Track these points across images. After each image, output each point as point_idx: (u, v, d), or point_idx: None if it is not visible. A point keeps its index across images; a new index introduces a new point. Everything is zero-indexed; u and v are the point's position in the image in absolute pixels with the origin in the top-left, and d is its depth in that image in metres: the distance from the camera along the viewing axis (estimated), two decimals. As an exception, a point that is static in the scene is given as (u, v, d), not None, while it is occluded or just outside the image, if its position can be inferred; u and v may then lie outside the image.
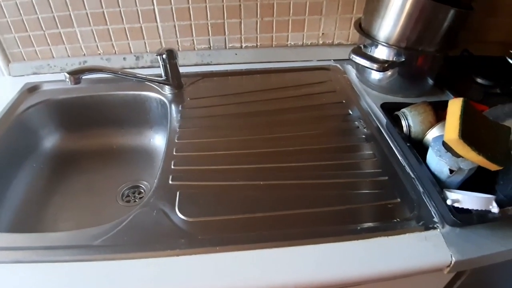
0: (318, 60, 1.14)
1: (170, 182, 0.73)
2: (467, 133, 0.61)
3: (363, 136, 0.85)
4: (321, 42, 1.14)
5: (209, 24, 1.07)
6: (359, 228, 0.63)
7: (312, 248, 0.60)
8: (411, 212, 0.66)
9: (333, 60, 1.15)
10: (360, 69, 1.04)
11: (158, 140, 1.07)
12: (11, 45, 1.07)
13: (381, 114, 0.90)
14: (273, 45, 1.13)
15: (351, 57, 0.93)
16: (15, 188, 0.91)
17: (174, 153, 0.80)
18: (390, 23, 0.89)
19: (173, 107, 0.97)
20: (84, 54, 1.10)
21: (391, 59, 0.92)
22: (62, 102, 1.03)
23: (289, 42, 1.13)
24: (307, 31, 1.11)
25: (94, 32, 1.07)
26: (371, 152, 0.81)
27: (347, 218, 0.66)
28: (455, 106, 0.65)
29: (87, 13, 1.03)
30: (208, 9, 1.05)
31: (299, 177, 0.74)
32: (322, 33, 1.12)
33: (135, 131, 1.08)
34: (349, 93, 1.01)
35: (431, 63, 0.95)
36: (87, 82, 1.02)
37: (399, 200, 0.69)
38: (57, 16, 1.03)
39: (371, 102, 0.96)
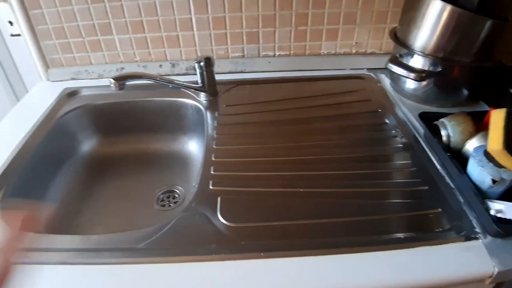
0: (351, 69, 1.15)
1: (211, 187, 0.74)
2: (511, 143, 0.61)
3: (400, 145, 0.86)
4: (354, 51, 1.14)
5: (244, 32, 1.09)
6: (402, 237, 0.63)
7: (354, 256, 0.61)
8: (452, 222, 0.66)
9: (366, 69, 1.15)
10: (395, 78, 1.05)
11: (192, 146, 1.08)
12: (51, 51, 1.11)
13: (418, 124, 0.90)
14: (306, 54, 1.14)
15: (388, 66, 0.94)
16: (52, 191, 0.93)
17: (213, 159, 0.82)
18: (426, 33, 0.90)
19: (209, 114, 0.98)
20: (122, 61, 1.13)
21: (427, 69, 0.92)
22: (100, 107, 1.06)
23: (322, 51, 1.14)
24: (341, 40, 1.12)
25: (132, 40, 1.09)
26: (410, 161, 0.81)
27: (388, 227, 0.66)
28: (497, 117, 0.65)
29: (126, 22, 1.06)
30: (243, 18, 1.07)
31: (338, 186, 0.75)
32: (356, 42, 1.12)
33: (170, 137, 1.10)
34: (384, 102, 1.01)
35: (467, 74, 0.95)
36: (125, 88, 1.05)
37: (440, 210, 0.68)
38: (97, 24, 1.06)
39: (407, 111, 0.96)
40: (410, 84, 1.00)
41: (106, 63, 1.14)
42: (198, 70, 0.99)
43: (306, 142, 0.87)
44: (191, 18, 1.06)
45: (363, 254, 0.61)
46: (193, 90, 1.04)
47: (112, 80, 0.87)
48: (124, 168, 1.06)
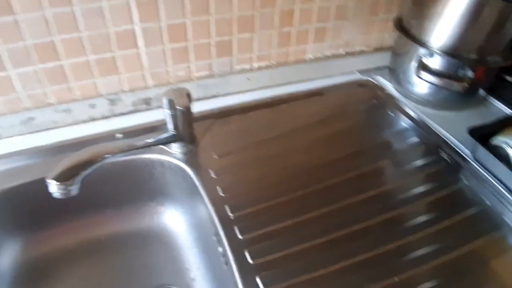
0: (341, 74, 0.92)
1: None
2: None
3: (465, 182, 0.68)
4: (343, 52, 0.91)
5: (212, 42, 0.77)
6: None
7: None
8: None
9: (358, 71, 0.93)
10: (400, 81, 0.86)
11: (168, 217, 0.76)
12: None
13: (454, 139, 0.76)
14: (290, 62, 0.86)
15: (419, 75, 0.78)
16: None
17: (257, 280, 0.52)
18: (457, 28, 0.73)
19: (198, 178, 0.66)
20: (28, 108, 0.70)
21: (459, 74, 0.76)
22: (16, 191, 0.65)
23: (308, 55, 0.87)
24: (329, 40, 0.87)
25: (39, 73, 0.68)
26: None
27: None
28: None
29: (25, 46, 0.64)
30: (211, 23, 0.74)
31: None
32: (346, 42, 0.89)
33: (130, 209, 0.75)
34: (403, 116, 0.83)
35: (491, 74, 0.82)
36: (44, 153, 0.67)
37: None
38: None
39: (429, 120, 0.81)
40: (422, 88, 0.83)
41: (4, 114, 0.70)
42: (168, 112, 0.65)
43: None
44: (133, 29, 0.69)
45: None
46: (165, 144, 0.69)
47: (54, 183, 0.50)
48: (74, 273, 0.69)
